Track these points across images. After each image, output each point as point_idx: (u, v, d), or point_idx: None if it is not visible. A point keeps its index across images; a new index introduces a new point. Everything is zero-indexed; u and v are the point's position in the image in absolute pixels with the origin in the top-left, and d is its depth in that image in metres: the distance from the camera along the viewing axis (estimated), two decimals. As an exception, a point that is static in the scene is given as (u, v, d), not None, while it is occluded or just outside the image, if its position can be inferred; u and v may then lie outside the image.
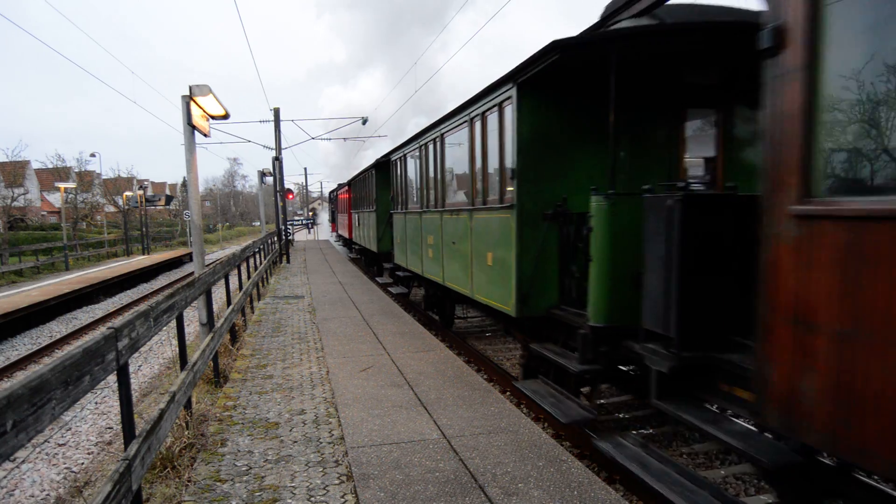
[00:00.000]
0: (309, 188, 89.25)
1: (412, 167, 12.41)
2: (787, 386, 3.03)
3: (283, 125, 25.56)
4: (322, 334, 9.38)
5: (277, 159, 24.57)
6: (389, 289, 15.16)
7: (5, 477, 6.46)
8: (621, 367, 5.76)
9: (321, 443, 4.98)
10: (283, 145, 25.10)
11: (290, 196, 34.31)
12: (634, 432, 5.08)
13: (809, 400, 2.91)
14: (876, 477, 3.66)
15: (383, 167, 17.12)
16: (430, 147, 10.48)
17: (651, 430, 6.21)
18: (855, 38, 2.80)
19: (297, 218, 78.52)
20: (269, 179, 25.29)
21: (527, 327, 7.10)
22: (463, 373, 6.93)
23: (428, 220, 10.86)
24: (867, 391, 2.62)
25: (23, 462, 6.85)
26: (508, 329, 9.03)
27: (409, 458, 4.55)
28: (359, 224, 23.63)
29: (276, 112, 24.92)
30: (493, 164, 7.49)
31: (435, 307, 12.00)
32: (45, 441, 7.45)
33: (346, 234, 31.60)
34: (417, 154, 11.62)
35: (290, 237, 30.89)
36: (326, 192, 77.20)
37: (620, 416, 6.66)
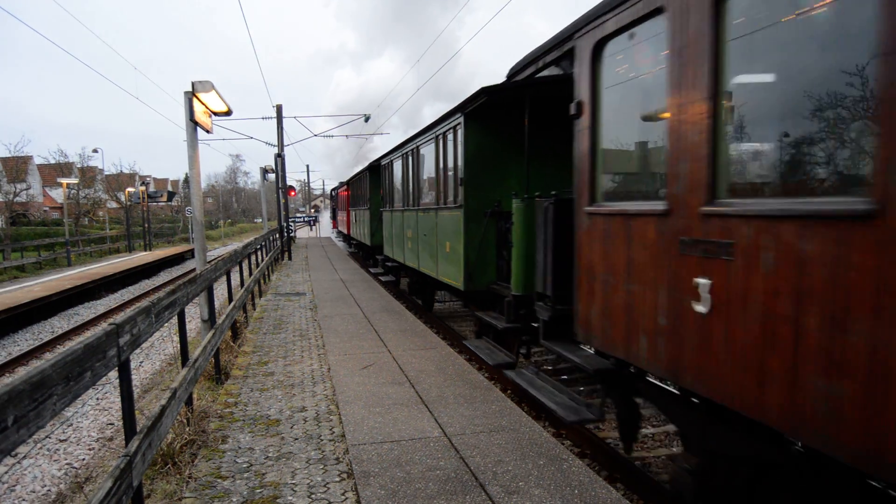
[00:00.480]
0: (311, 185, 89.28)
1: (397, 171, 14.36)
2: (585, 314, 4.96)
3: (285, 122, 25.57)
4: (323, 331, 9.38)
5: (279, 156, 24.56)
6: (380, 277, 16.79)
7: (6, 472, 6.47)
8: (535, 324, 7.07)
9: (322, 440, 4.98)
10: (285, 142, 25.10)
11: (292, 193, 34.30)
12: (532, 366, 6.53)
13: (594, 320, 4.80)
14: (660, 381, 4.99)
15: (375, 170, 19.18)
16: (409, 156, 12.64)
17: (550, 367, 8.27)
18: (613, 110, 4.72)
19: (299, 215, 78.59)
20: (272, 176, 25.29)
21: (476, 299, 9.30)
22: (464, 371, 6.93)
23: (408, 217, 12.78)
24: (613, 310, 4.53)
25: (24, 457, 6.86)
26: (466, 303, 11.15)
27: (410, 455, 4.55)
28: (355, 221, 25.76)
29: (279, 109, 24.92)
30: (450, 172, 9.45)
31: (418, 293, 13.47)
32: (47, 437, 7.46)
33: (345, 230, 33.08)
34: (400, 161, 13.72)
35: (292, 234, 30.91)
36: (329, 190, 77.27)
37: (534, 359, 8.09)
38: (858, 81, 2.66)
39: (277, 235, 23.72)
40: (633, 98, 4.59)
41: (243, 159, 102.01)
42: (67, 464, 6.78)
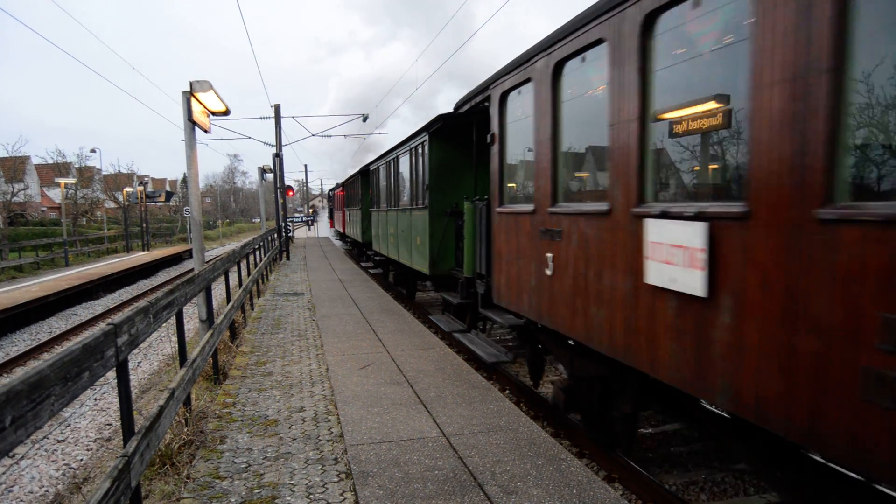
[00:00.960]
0: (309, 185, 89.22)
1: (382, 176, 16.60)
2: (497, 284, 7.01)
3: (284, 122, 25.54)
4: (322, 331, 9.37)
5: (278, 156, 24.54)
6: (370, 270, 19.23)
7: (4, 473, 6.45)
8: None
9: (320, 440, 4.98)
10: (283, 142, 25.08)
11: (290, 193, 34.28)
12: (476, 331, 8.58)
13: (503, 288, 6.82)
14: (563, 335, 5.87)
15: (366, 174, 21.15)
16: (391, 163, 15.00)
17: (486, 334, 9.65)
18: (513, 139, 6.73)
19: (297, 215, 78.51)
20: (270, 176, 25.26)
21: (442, 283, 11.40)
22: (462, 371, 6.93)
23: (391, 216, 14.88)
24: (511, 279, 6.48)
25: (22, 458, 6.84)
26: (437, 288, 13.30)
27: (409, 455, 4.55)
28: (350, 220, 27.94)
29: (277, 108, 24.90)
30: (419, 179, 11.70)
31: (402, 283, 15.48)
32: (45, 437, 7.45)
33: (340, 229, 34.80)
34: (384, 167, 16.12)
35: (290, 234, 30.89)
36: (326, 189, 77.30)
37: (483, 327, 9.36)
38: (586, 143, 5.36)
39: (275, 235, 23.70)
40: (521, 133, 6.40)
41: (241, 159, 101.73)
42: (65, 464, 6.77)
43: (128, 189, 43.25)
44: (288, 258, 24.39)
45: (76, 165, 46.04)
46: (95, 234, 39.74)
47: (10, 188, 36.99)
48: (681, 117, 3.81)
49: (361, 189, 22.50)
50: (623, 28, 4.21)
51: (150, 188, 49.48)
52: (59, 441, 7.39)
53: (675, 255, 3.69)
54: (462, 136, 10.13)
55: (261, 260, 15.87)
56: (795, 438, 2.91)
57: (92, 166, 48.18)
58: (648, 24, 3.98)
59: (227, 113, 8.06)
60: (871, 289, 2.51)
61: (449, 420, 5.31)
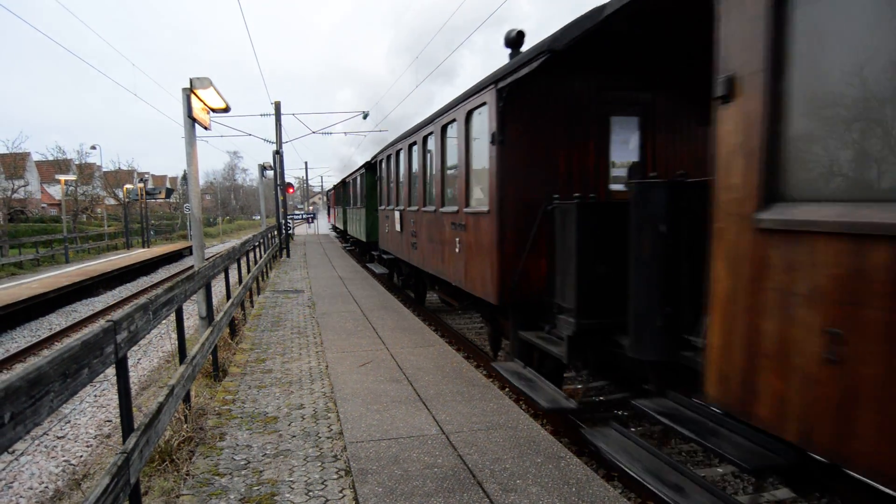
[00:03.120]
0: (310, 182, 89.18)
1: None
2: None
3: (284, 119, 25.52)
4: (321, 329, 9.37)
5: (278, 153, 24.52)
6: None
7: (4, 469, 6.46)
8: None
9: (320, 437, 4.98)
10: (283, 139, 25.06)
11: (291, 190, 34.26)
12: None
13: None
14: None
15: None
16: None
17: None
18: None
19: (297, 212, 78.44)
20: (270, 173, 25.25)
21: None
22: (462, 368, 6.93)
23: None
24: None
25: (21, 454, 6.85)
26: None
27: (408, 453, 4.55)
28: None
29: (277, 106, 24.88)
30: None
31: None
32: (44, 434, 7.46)
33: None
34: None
35: (290, 231, 30.88)
36: (327, 187, 77.34)
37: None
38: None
39: (276, 233, 23.69)
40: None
41: (241, 156, 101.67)
42: (65, 461, 6.78)
43: (128, 186, 43.21)
44: (288, 255, 24.39)
45: (76, 162, 45.99)
46: (96, 230, 39.71)
47: (11, 185, 36.96)
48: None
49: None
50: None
51: (150, 185, 49.46)
52: (59, 437, 7.40)
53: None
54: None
55: (261, 257, 15.87)
56: None
57: (92, 163, 48.12)
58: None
59: (227, 110, 8.06)
60: None
61: (448, 418, 5.31)
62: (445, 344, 8.23)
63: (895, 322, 2.25)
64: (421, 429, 5.06)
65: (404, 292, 14.96)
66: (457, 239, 8.18)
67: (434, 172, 9.78)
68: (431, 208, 9.81)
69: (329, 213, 51.72)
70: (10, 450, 6.49)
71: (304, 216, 73.63)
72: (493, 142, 6.56)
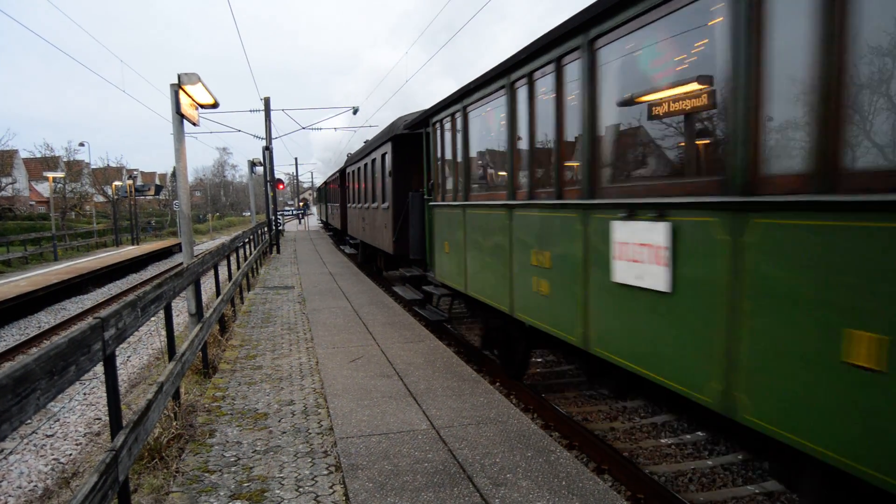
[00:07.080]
0: (300, 178, 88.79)
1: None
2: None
3: (274, 115, 25.40)
4: (312, 325, 9.37)
5: (268, 149, 24.42)
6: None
7: (-8, 468, 6.42)
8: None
9: (310, 433, 4.98)
10: (273, 135, 24.95)
11: (281, 186, 34.15)
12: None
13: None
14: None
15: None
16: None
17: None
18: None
19: (287, 208, 78.13)
20: (259, 169, 25.15)
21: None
22: (452, 363, 6.95)
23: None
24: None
25: (10, 453, 6.81)
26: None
27: (398, 448, 4.56)
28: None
29: (267, 101, 24.76)
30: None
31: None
32: (33, 432, 7.41)
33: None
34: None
35: (280, 227, 30.78)
36: (318, 183, 77.12)
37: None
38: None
39: (266, 229, 23.61)
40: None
41: (231, 152, 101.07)
42: (54, 459, 6.74)
43: (117, 183, 42.91)
44: (278, 251, 24.31)
45: (65, 159, 45.67)
46: (84, 228, 39.42)
47: (-2, 182, 36.64)
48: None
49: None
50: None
51: (139, 182, 49.06)
52: (47, 436, 7.36)
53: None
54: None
55: (251, 253, 15.82)
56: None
57: (80, 160, 47.79)
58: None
59: (215, 106, 8.02)
60: None
61: (439, 412, 5.33)
62: (436, 339, 8.25)
63: None
64: (411, 424, 5.07)
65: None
66: (374, 219, 16.07)
67: (366, 185, 17.60)
68: (367, 204, 17.39)
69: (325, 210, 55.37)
70: (-1, 449, 6.46)
71: (295, 212, 73.29)
72: (389, 174, 13.51)
